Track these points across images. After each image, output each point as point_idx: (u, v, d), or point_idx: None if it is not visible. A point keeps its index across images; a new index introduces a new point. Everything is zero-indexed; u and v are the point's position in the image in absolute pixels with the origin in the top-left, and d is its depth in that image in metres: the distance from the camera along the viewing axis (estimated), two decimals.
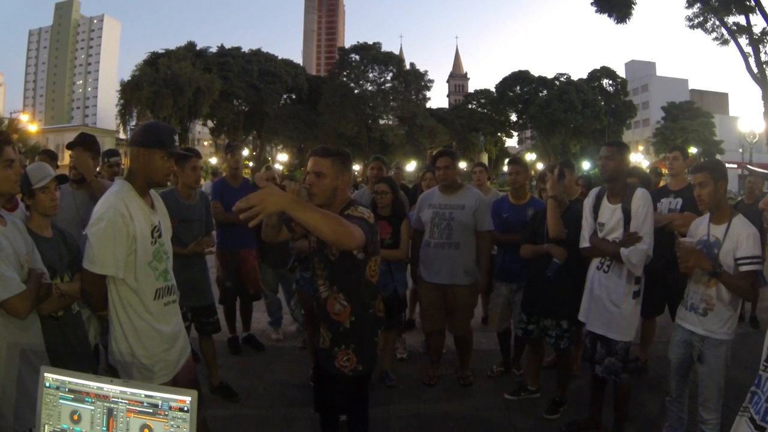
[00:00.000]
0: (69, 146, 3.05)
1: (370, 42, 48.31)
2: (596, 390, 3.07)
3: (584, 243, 2.97)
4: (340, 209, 2.06)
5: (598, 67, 49.09)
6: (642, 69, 63.03)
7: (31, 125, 36.49)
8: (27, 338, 1.82)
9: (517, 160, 4.03)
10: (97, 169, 3.46)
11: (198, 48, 46.18)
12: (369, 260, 2.09)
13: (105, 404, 1.31)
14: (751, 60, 20.80)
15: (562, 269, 3.13)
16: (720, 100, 60.97)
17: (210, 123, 48.44)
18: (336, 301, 2.10)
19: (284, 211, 1.63)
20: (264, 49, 48.23)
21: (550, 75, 49.44)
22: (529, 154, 45.91)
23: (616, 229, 2.83)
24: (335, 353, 2.12)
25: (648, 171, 5.50)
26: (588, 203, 3.01)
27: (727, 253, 2.50)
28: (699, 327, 2.58)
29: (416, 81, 47.74)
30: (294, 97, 49.88)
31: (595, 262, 2.94)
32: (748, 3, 19.97)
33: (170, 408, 1.28)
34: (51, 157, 4.11)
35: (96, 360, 2.56)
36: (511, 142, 62.46)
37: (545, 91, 48.40)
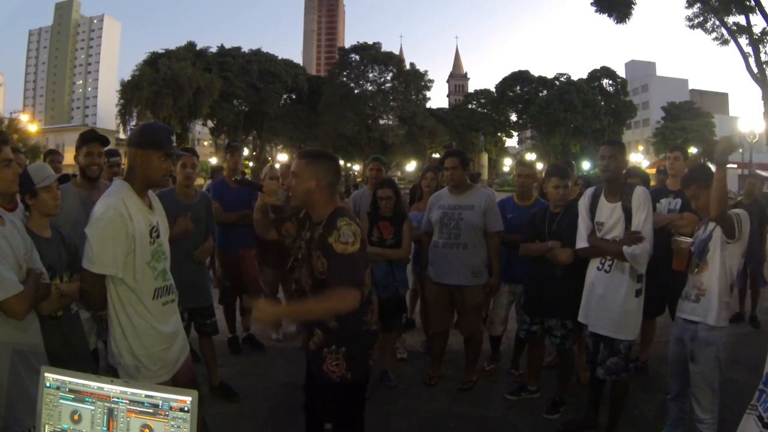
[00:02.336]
0: (86, 140, 3.01)
1: (370, 42, 48.34)
2: (594, 390, 3.07)
3: (582, 243, 2.95)
4: (327, 216, 2.02)
5: (598, 67, 49.09)
6: (642, 69, 62.99)
7: (31, 125, 36.49)
8: (26, 339, 1.82)
9: (527, 163, 4.03)
10: None
11: (198, 48, 46.13)
12: None
13: (105, 404, 1.31)
14: (751, 60, 20.79)
15: (568, 268, 3.12)
16: (720, 100, 60.92)
17: (210, 123, 48.43)
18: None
19: (281, 317, 1.93)
20: (264, 49, 48.22)
21: (550, 75, 49.48)
22: (529, 154, 45.82)
23: (616, 228, 2.82)
24: (324, 355, 2.05)
25: (656, 172, 5.49)
26: (584, 203, 2.99)
27: (716, 239, 2.55)
28: (692, 314, 2.61)
29: (416, 81, 47.73)
30: (294, 97, 49.88)
31: (595, 263, 2.93)
32: (748, 3, 19.95)
33: (170, 408, 1.28)
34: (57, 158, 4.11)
35: (96, 360, 2.56)
36: (511, 142, 62.53)
37: (545, 91, 48.38)
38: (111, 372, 1.95)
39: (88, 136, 3.01)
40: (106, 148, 3.10)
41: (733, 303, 5.35)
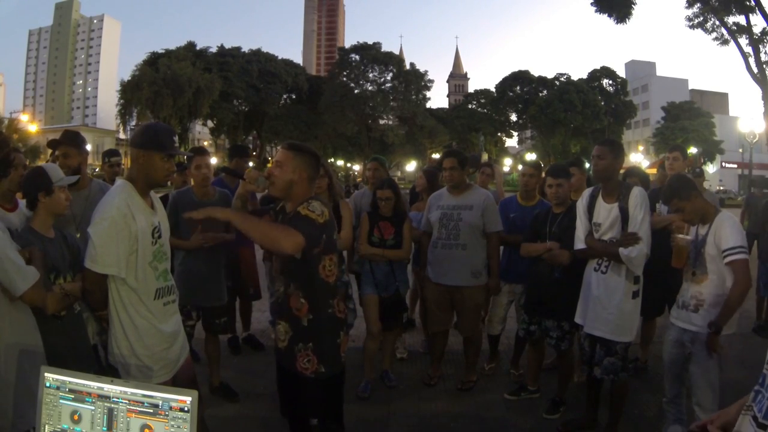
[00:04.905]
0: (53, 145, 3.01)
1: (370, 42, 48.42)
2: (592, 389, 3.06)
3: (579, 244, 2.94)
4: (297, 204, 2.07)
5: (598, 67, 49.10)
6: (642, 69, 62.99)
7: (31, 125, 36.56)
8: (30, 338, 1.83)
9: (531, 164, 4.03)
10: (96, 169, 3.45)
11: (198, 48, 46.24)
12: (322, 259, 2.07)
13: (105, 404, 1.31)
14: (751, 60, 20.81)
15: (566, 269, 3.11)
16: (720, 100, 60.94)
17: (210, 123, 48.50)
18: (296, 298, 2.10)
19: (228, 219, 1.91)
20: (264, 49, 48.35)
21: (550, 75, 49.53)
22: (529, 154, 45.91)
23: (613, 229, 2.81)
24: (295, 353, 2.09)
25: (657, 169, 5.44)
26: (582, 204, 2.98)
27: (710, 245, 2.55)
28: (691, 324, 2.60)
29: (416, 81, 47.79)
30: (294, 97, 49.95)
31: (592, 264, 2.92)
32: (748, 3, 19.96)
33: (170, 408, 1.28)
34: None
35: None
36: (511, 142, 62.60)
37: (545, 91, 48.42)
38: (111, 372, 1.95)
39: (51, 142, 3.02)
40: (107, 149, 3.10)
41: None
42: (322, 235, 1.99)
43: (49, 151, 3.14)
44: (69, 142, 2.92)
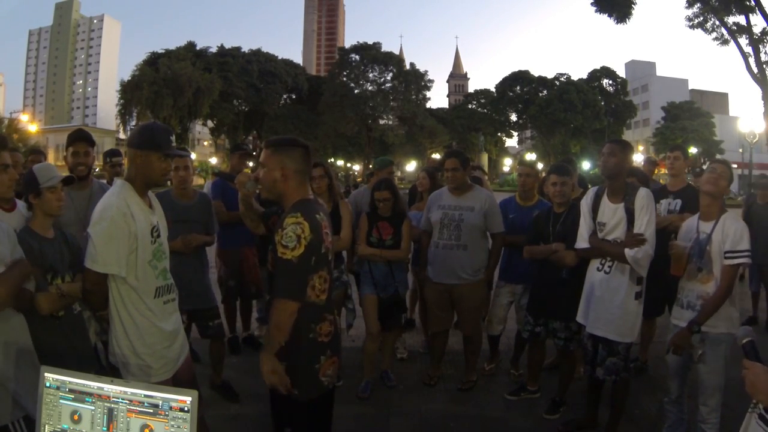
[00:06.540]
0: (71, 140, 2.99)
1: (370, 42, 48.43)
2: (593, 390, 3.06)
3: (582, 243, 2.92)
4: (289, 205, 1.92)
5: (598, 67, 49.13)
6: (642, 69, 62.98)
7: (31, 125, 36.50)
8: (13, 335, 1.82)
9: (529, 164, 4.03)
10: (97, 169, 3.45)
11: (198, 48, 46.27)
12: (310, 279, 1.86)
13: (105, 404, 1.31)
14: (751, 60, 20.80)
15: (573, 270, 3.10)
16: (720, 100, 60.94)
17: (210, 123, 48.52)
18: None
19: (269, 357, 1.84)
20: (264, 49, 48.40)
21: (550, 75, 49.54)
22: (529, 154, 45.86)
23: (617, 229, 2.80)
24: None
25: (643, 164, 5.40)
26: (586, 203, 2.96)
27: (717, 244, 2.54)
28: None
29: (416, 81, 47.80)
30: (294, 97, 50.01)
31: (595, 263, 2.91)
32: (748, 3, 19.96)
33: (171, 408, 1.28)
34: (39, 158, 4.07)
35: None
36: (511, 142, 62.62)
37: (545, 91, 48.42)
38: (111, 372, 1.95)
39: (73, 135, 3.01)
40: (107, 149, 3.10)
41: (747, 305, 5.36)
42: (305, 266, 1.81)
43: (50, 151, 3.15)
44: (88, 141, 2.95)
